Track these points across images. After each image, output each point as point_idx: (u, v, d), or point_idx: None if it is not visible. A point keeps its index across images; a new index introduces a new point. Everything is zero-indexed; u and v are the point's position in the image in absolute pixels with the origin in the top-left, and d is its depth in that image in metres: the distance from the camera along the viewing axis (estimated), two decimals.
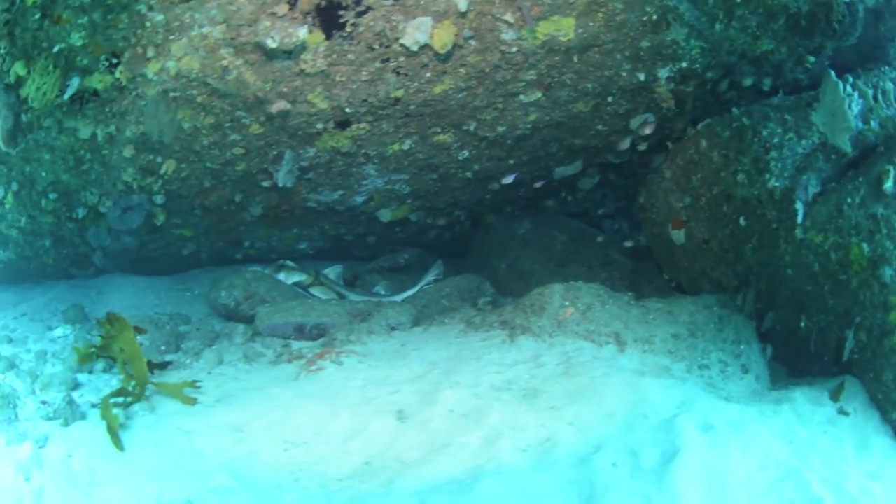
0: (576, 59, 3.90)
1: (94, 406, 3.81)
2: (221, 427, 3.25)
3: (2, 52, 3.70)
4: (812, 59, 4.13)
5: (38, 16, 3.54)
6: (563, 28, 3.71)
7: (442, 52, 3.65)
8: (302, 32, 3.41)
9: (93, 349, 4.05)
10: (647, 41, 3.88)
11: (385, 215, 4.78)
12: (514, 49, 3.76)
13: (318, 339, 4.08)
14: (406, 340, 3.90)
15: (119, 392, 3.66)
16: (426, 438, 2.97)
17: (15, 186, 4.83)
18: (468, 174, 4.58)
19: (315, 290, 4.72)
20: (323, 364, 3.60)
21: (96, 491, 3.05)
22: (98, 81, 3.78)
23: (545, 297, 3.89)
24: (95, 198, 4.69)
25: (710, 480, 2.49)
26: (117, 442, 3.31)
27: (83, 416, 3.82)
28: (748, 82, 4.22)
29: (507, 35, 3.70)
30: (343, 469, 2.89)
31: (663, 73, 4.12)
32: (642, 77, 4.09)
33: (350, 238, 5.19)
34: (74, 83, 3.79)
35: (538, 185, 4.94)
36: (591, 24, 3.70)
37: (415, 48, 3.62)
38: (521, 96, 4.09)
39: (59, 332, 5.25)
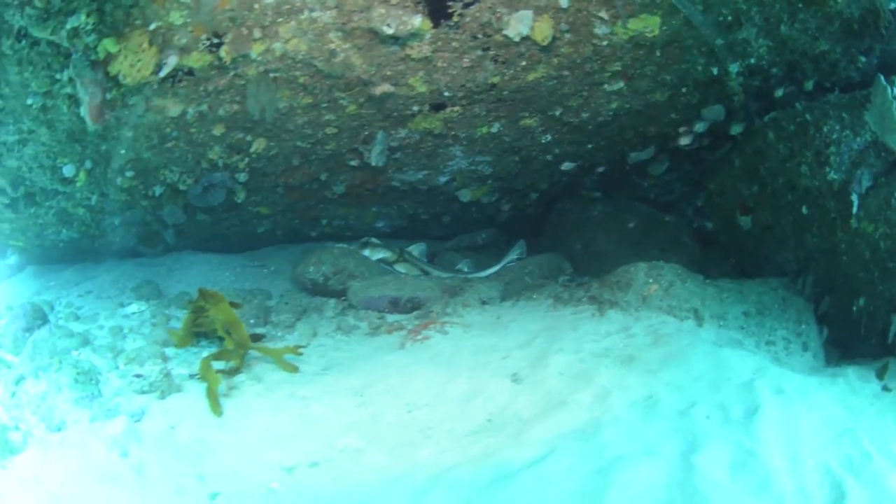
0: (658, 53, 4.42)
1: (191, 377, 4.20)
2: (340, 392, 3.72)
3: (89, 27, 4.01)
4: (863, 58, 4.65)
5: None
6: (650, 25, 4.23)
7: (543, 43, 4.10)
8: (417, 21, 3.85)
9: (190, 330, 4.46)
10: (720, 38, 4.39)
11: (465, 195, 5.25)
12: (605, 42, 4.27)
13: (412, 312, 4.54)
14: (500, 313, 4.41)
15: (219, 354, 4.10)
16: (542, 397, 3.47)
17: (89, 164, 5.24)
18: (548, 157, 5.05)
19: (400, 267, 5.18)
20: (429, 334, 4.10)
21: (206, 461, 3.41)
22: (196, 60, 4.17)
23: (631, 274, 4.43)
24: (175, 175, 5.12)
25: (785, 431, 3.04)
26: (216, 405, 3.74)
27: (179, 389, 4.18)
28: (809, 85, 4.72)
29: (600, 30, 4.21)
30: (468, 426, 3.38)
31: (734, 68, 4.65)
32: (715, 71, 4.63)
33: (426, 217, 5.66)
34: (171, 62, 4.16)
35: (612, 169, 5.35)
36: (673, 22, 4.22)
37: (516, 39, 4.08)
38: (606, 85, 4.59)
39: (132, 308, 5.67)
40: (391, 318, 4.59)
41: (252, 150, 4.74)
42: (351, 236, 5.72)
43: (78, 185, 5.42)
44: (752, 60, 4.57)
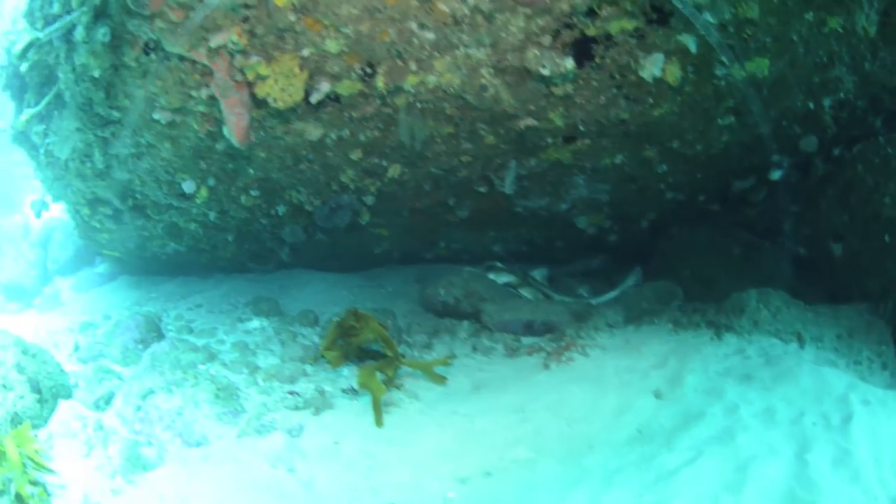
0: (765, 91, 5.05)
1: (344, 392, 4.77)
2: (500, 409, 4.36)
3: (238, 47, 4.40)
4: None
5: (291, 18, 4.23)
6: (761, 66, 4.86)
7: (672, 84, 4.66)
8: (569, 63, 4.41)
9: (342, 348, 5.02)
10: (817, 76, 5.07)
11: (582, 222, 5.84)
12: (723, 82, 4.90)
13: (545, 335, 5.11)
14: (627, 337, 5.08)
15: (377, 367, 4.69)
16: (682, 410, 4.18)
17: (212, 182, 5.76)
18: (661, 185, 5.65)
19: (524, 291, 5.73)
20: (572, 355, 4.76)
21: (378, 474, 3.95)
22: (345, 88, 4.67)
23: (743, 301, 5.10)
24: (303, 196, 5.66)
25: (871, 434, 3.79)
26: (379, 416, 4.30)
27: (331, 405, 4.71)
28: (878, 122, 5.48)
29: (720, 71, 4.83)
30: (623, 436, 4.05)
31: (827, 102, 5.35)
32: (811, 105, 5.32)
33: (540, 241, 6.17)
34: (324, 88, 4.64)
35: (717, 197, 5.91)
36: (780, 63, 4.87)
37: (649, 79, 4.63)
38: (719, 120, 5.20)
39: (254, 324, 6.16)
40: (526, 340, 5.23)
41: (387, 175, 5.26)
42: (466, 259, 6.30)
43: (197, 201, 5.91)
44: (842, 95, 5.28)
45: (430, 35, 4.32)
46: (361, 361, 5.02)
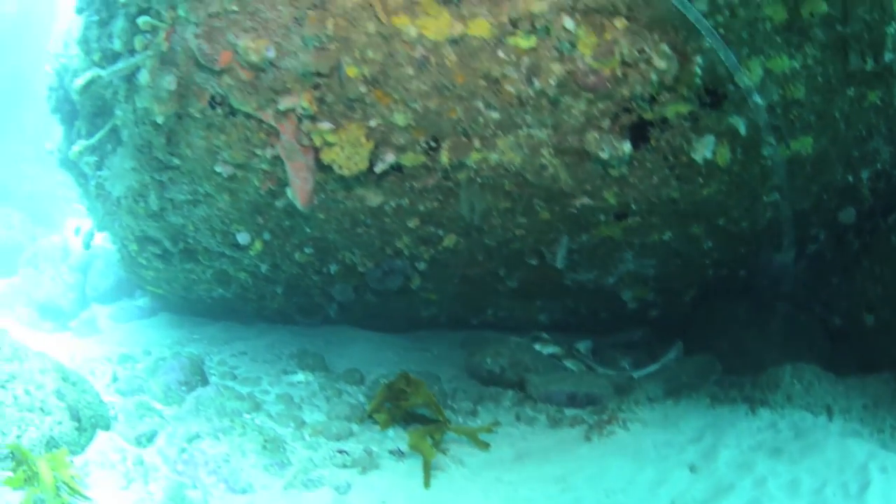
0: (808, 167, 5.27)
1: (391, 453, 4.89)
2: (542, 478, 4.53)
3: (306, 113, 4.60)
4: None
5: (362, 89, 4.45)
6: (805, 145, 5.11)
7: (722, 165, 4.79)
8: (626, 147, 4.56)
9: (391, 411, 5.20)
10: (856, 150, 5.31)
11: (627, 294, 6.02)
12: (769, 162, 5.14)
13: (586, 407, 5.31)
14: (666, 412, 5.27)
15: (426, 431, 4.85)
16: (714, 483, 4.35)
17: (267, 236, 5.94)
18: (706, 261, 5.80)
19: (568, 362, 5.91)
20: (613, 429, 4.94)
21: None
22: (409, 160, 4.88)
23: (778, 376, 5.28)
24: (356, 258, 5.88)
25: (888, 499, 4.01)
26: (428, 478, 4.45)
27: (377, 465, 4.84)
28: None
29: (767, 151, 5.00)
30: None
31: (865, 174, 5.58)
32: (850, 178, 5.54)
33: (585, 312, 6.38)
34: (389, 159, 4.85)
35: (758, 270, 6.05)
36: (823, 140, 5.10)
37: (700, 161, 4.77)
38: (764, 197, 5.29)
39: (299, 377, 6.29)
40: (569, 412, 5.41)
41: (442, 244, 5.43)
42: (511, 327, 6.55)
43: (251, 252, 6.09)
44: (879, 166, 5.53)
45: (495, 115, 4.55)
46: (407, 425, 5.20)
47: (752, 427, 4.90)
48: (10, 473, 4.49)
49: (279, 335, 6.94)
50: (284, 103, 4.53)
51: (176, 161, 5.36)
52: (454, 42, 4.18)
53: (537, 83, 4.31)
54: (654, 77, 4.32)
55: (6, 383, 5.15)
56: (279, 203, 5.41)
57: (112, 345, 7.81)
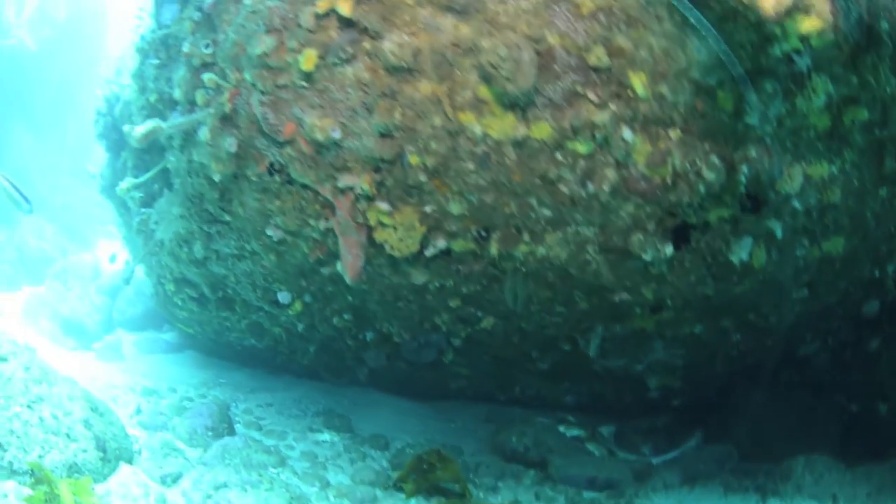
0: (838, 265, 5.42)
1: None
2: None
3: (364, 193, 4.64)
4: None
5: (422, 178, 4.54)
6: (837, 245, 5.25)
7: (757, 266, 4.91)
8: (669, 249, 4.71)
9: (417, 484, 5.32)
10: (884, 246, 5.45)
11: (653, 382, 6.17)
12: (801, 262, 5.27)
13: (605, 492, 5.51)
14: (681, 497, 5.46)
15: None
16: None
17: (308, 298, 6.04)
18: (733, 352, 5.96)
19: (590, 445, 6.04)
20: None
21: None
22: (459, 246, 4.97)
23: (791, 468, 5.49)
24: (394, 329, 6.01)
25: None
26: None
27: None
28: None
29: (800, 251, 5.10)
30: None
31: (890, 268, 5.72)
32: (877, 273, 5.68)
33: (610, 397, 6.55)
34: (440, 245, 4.94)
35: (780, 361, 6.20)
36: (854, 240, 5.24)
37: (737, 262, 4.91)
38: (794, 293, 5.47)
39: (325, 437, 6.42)
40: (588, 494, 5.56)
41: (480, 325, 5.60)
42: (537, 405, 6.72)
43: (290, 312, 6.18)
44: None
45: (547, 212, 4.65)
46: (431, 496, 5.31)
47: None
48: (28, 490, 4.61)
49: (306, 390, 7.04)
50: (344, 181, 4.63)
51: (227, 217, 5.45)
52: (516, 142, 4.30)
53: (591, 186, 4.43)
54: (702, 188, 4.47)
55: (33, 404, 5.28)
56: (325, 270, 5.50)
57: (136, 375, 7.97)
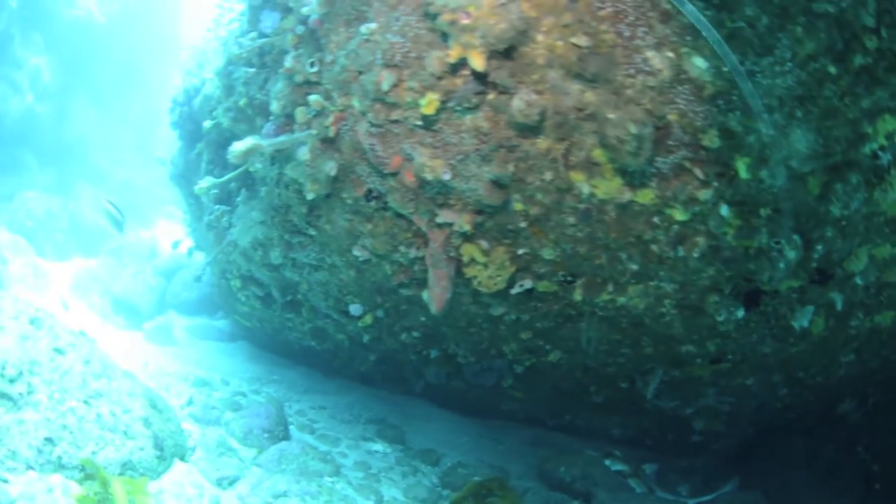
0: (884, 335, 5.78)
1: None
2: None
3: (460, 231, 4.71)
4: None
5: (521, 224, 4.67)
6: (886, 318, 5.58)
7: (815, 333, 5.25)
8: (741, 312, 5.08)
9: None
10: None
11: (699, 424, 6.43)
12: (854, 331, 5.59)
13: None
14: None
15: None
16: None
17: (381, 314, 6.19)
18: (777, 405, 6.26)
19: (632, 481, 6.35)
20: None
21: None
22: (543, 287, 5.17)
23: None
24: (460, 350, 6.22)
25: None
26: None
27: None
28: None
29: (854, 322, 5.47)
30: None
31: None
32: None
33: (655, 433, 6.79)
34: (526, 284, 5.12)
35: (819, 417, 6.55)
36: None
37: (797, 327, 5.34)
38: (842, 357, 5.76)
39: (378, 447, 6.58)
40: None
41: (546, 357, 5.87)
42: (585, 434, 7.01)
43: (359, 324, 6.32)
44: None
45: (634, 266, 4.87)
46: None
47: None
48: (75, 485, 4.67)
49: (358, 396, 7.22)
50: (443, 217, 4.71)
51: (311, 231, 5.58)
52: (619, 204, 4.50)
53: (681, 250, 4.69)
54: (781, 264, 4.76)
55: (91, 399, 5.27)
56: (404, 291, 5.65)
57: (188, 363, 8.11)
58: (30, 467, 4.74)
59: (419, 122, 4.43)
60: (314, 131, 4.88)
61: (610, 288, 5.05)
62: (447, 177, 4.52)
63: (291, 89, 5.07)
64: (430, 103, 4.33)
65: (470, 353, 6.20)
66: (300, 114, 4.91)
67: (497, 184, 4.51)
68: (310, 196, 5.08)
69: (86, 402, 5.22)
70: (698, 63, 4.02)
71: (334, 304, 6.35)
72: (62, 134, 15.11)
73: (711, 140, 4.22)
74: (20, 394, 4.96)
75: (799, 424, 6.74)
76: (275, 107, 5.13)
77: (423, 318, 6.01)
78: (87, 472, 4.81)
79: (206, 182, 6.21)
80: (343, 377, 7.69)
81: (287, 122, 5.11)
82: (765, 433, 6.88)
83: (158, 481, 5.15)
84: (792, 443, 6.76)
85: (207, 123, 6.96)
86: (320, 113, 4.83)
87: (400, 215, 4.95)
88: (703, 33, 3.78)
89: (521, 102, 4.19)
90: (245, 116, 5.95)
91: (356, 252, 5.40)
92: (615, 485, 6.24)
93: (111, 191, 14.98)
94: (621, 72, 4.07)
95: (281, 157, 5.26)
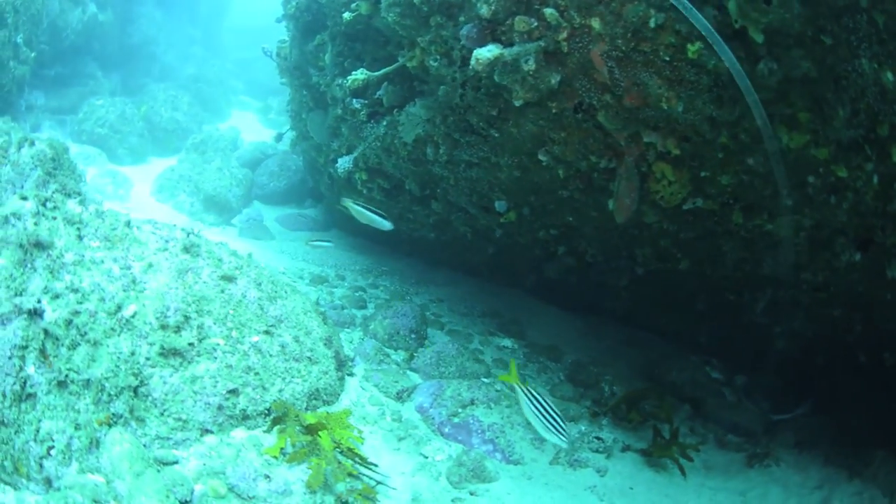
0: None
1: (622, 451, 5.74)
2: (728, 490, 5.66)
3: (661, 149, 4.97)
4: None
5: (719, 155, 4.95)
6: None
7: None
8: (858, 255, 5.78)
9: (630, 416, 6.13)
10: None
11: (780, 344, 7.04)
12: None
13: (743, 437, 6.51)
14: (797, 459, 6.36)
15: (667, 443, 5.84)
16: None
17: (527, 211, 6.48)
18: (849, 338, 6.75)
19: (725, 390, 7.16)
20: (768, 462, 6.12)
21: None
22: (707, 205, 5.46)
23: (870, 457, 6.36)
24: (592, 250, 6.56)
25: None
26: (683, 471, 5.50)
27: (613, 455, 5.61)
28: None
29: None
30: None
31: None
32: None
33: (737, 346, 7.50)
34: (697, 202, 5.42)
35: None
36: None
37: (891, 276, 5.79)
38: None
39: (506, 342, 6.86)
40: (731, 438, 6.45)
41: (677, 265, 6.25)
42: (672, 338, 7.39)
43: (501, 220, 6.57)
44: None
45: (789, 202, 5.22)
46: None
47: (850, 489, 6.09)
48: (267, 436, 4.02)
49: (468, 288, 7.40)
50: (649, 137, 4.92)
51: (494, 133, 5.63)
52: (800, 153, 4.81)
53: (833, 199, 5.16)
54: None
55: (272, 328, 4.60)
56: (563, 193, 5.85)
57: (295, 258, 8.16)
58: (206, 431, 4.05)
59: (667, 58, 4.53)
60: (542, 43, 4.80)
61: (764, 215, 5.50)
62: (680, 108, 4.69)
63: None
64: (696, 51, 4.46)
65: (600, 254, 6.42)
66: (520, 23, 4.78)
67: (714, 122, 4.78)
68: (517, 103, 5.09)
69: (267, 332, 4.56)
70: None
71: (478, 199, 6.55)
72: (127, 39, 14.90)
73: (882, 129, 4.71)
74: (190, 343, 4.14)
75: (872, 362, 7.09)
76: (484, 10, 4.90)
77: (569, 219, 6.20)
78: (275, 416, 4.19)
79: (361, 74, 6.49)
80: (448, 267, 7.75)
81: (489, 26, 4.97)
82: (842, 364, 7.14)
83: (338, 403, 4.88)
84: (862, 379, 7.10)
85: (347, 15, 6.61)
86: (550, 27, 4.74)
87: (600, 127, 5.08)
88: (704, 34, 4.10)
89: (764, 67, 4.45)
90: (417, 13, 5.57)
91: (541, 157, 5.58)
92: (713, 392, 6.84)
93: (182, 86, 14.88)
94: None
95: (458, 60, 5.36)
